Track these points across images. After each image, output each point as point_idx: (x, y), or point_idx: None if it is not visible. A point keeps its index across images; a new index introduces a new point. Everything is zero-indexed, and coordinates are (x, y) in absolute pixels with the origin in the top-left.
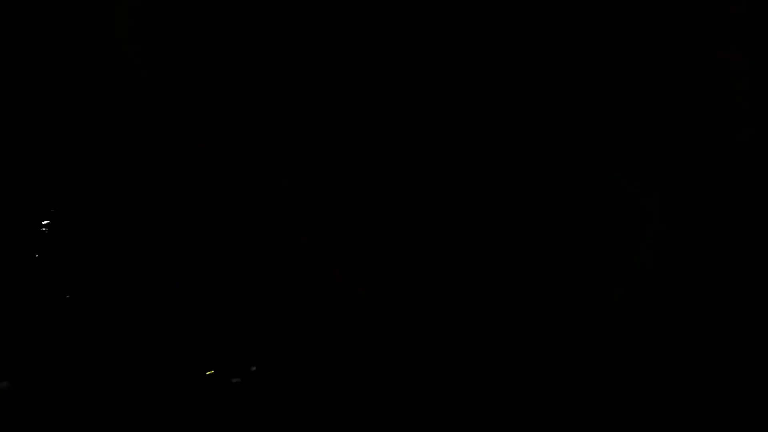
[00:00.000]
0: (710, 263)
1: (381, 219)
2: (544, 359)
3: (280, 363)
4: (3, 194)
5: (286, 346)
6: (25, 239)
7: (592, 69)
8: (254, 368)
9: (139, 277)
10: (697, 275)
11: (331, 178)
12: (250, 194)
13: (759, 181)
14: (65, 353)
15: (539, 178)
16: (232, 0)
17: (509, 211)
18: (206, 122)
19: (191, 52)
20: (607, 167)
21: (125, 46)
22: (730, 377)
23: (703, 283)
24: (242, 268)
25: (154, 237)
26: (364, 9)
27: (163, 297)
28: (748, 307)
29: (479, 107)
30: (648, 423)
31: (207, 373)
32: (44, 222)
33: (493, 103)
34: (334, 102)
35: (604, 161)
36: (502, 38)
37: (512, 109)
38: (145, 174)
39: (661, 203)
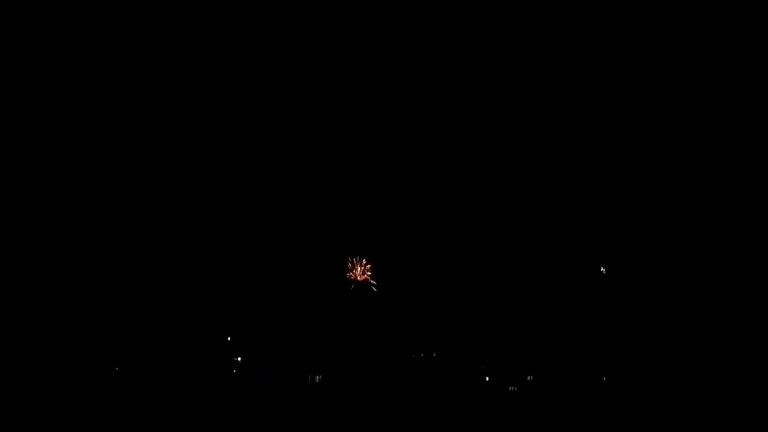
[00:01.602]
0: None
1: (381, 218)
2: (540, 353)
3: (279, 362)
4: (3, 194)
5: (286, 345)
6: (25, 239)
7: (592, 69)
8: (256, 368)
9: (139, 277)
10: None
11: (331, 178)
12: (250, 194)
13: (758, 181)
14: (65, 353)
15: (539, 178)
16: (232, 0)
17: (509, 210)
18: (206, 122)
19: (191, 52)
20: (607, 167)
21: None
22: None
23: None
24: (241, 268)
25: (154, 237)
26: (364, 9)
27: (163, 297)
28: (746, 299)
29: (479, 107)
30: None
31: (207, 373)
32: (44, 222)
33: (493, 104)
34: (334, 102)
35: (604, 161)
36: (502, 38)
37: (512, 109)
38: (145, 174)
39: (660, 202)
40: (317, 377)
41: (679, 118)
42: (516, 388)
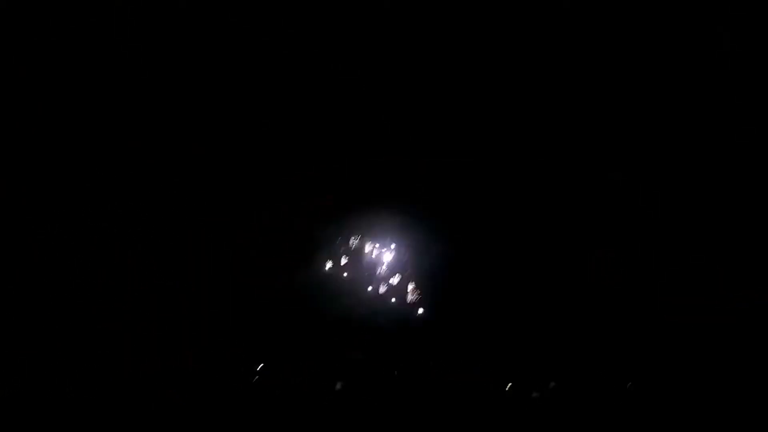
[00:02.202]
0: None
1: (381, 219)
2: (541, 351)
3: (280, 362)
4: (3, 194)
5: (286, 344)
6: (25, 239)
7: (592, 69)
8: (256, 367)
9: (139, 277)
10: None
11: (331, 178)
12: (250, 194)
13: (758, 181)
14: (65, 353)
15: (539, 178)
16: (232, 0)
17: (509, 210)
18: (206, 122)
19: (191, 51)
20: (607, 167)
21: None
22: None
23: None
24: (241, 268)
25: (154, 237)
26: (364, 9)
27: (163, 297)
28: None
29: (479, 107)
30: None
31: (206, 374)
32: (44, 222)
33: (493, 104)
34: (334, 102)
35: (604, 161)
36: (502, 38)
37: (512, 109)
38: (145, 174)
39: (660, 202)
40: (338, 384)
41: (679, 118)
42: (539, 395)
